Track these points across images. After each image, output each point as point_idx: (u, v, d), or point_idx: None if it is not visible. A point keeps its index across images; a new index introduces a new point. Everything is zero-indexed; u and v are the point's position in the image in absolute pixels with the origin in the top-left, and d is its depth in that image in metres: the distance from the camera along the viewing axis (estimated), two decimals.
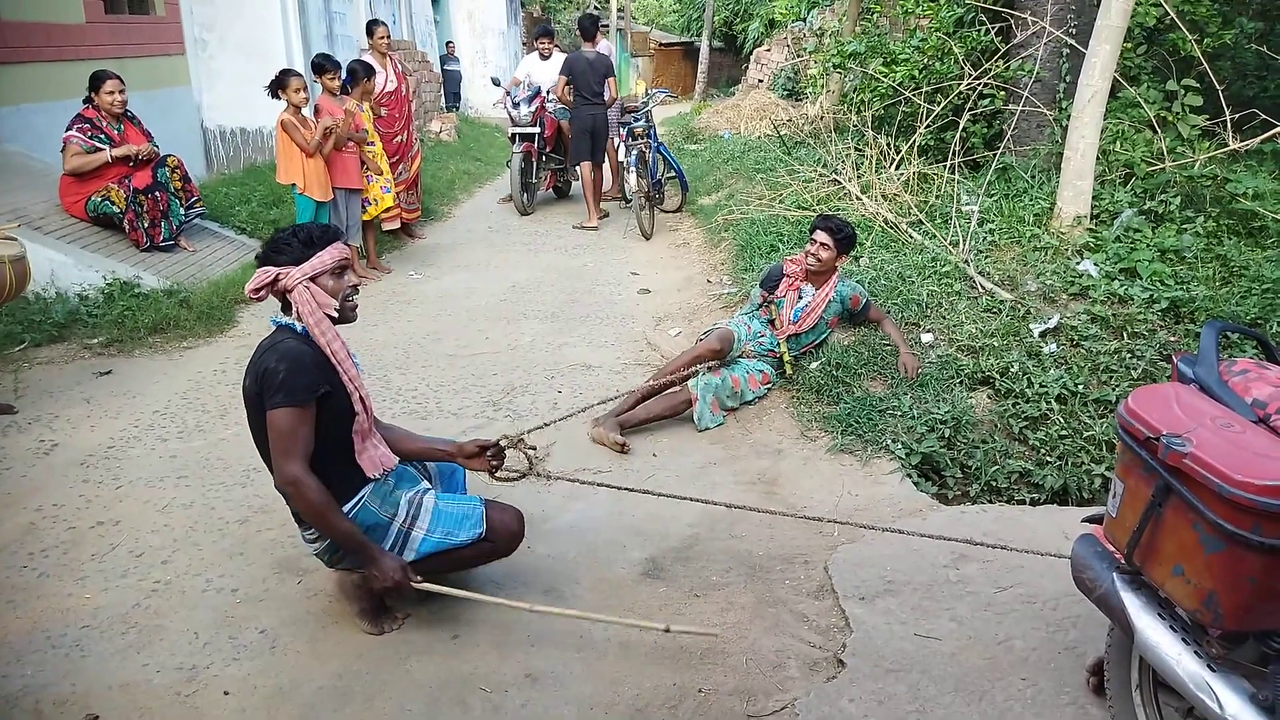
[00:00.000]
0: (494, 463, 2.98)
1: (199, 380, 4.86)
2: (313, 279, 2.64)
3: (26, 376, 4.79)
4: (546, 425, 3.52)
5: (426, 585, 2.72)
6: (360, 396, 2.71)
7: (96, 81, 6.16)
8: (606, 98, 9.03)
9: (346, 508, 2.66)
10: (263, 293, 2.64)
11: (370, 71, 7.01)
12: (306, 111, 6.41)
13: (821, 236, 4.58)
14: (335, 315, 2.68)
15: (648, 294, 6.70)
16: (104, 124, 6.16)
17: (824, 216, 4.72)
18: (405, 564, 2.68)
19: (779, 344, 4.58)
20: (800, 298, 4.65)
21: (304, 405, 2.52)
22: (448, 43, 19.62)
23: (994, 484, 3.89)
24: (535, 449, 3.12)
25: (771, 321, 4.64)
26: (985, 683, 2.60)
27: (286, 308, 2.68)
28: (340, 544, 2.67)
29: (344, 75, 6.74)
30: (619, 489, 3.44)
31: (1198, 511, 1.79)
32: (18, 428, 4.22)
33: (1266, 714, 1.80)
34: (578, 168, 9.22)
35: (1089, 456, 3.91)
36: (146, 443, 4.13)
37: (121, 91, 6.22)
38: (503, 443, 3.00)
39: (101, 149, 6.11)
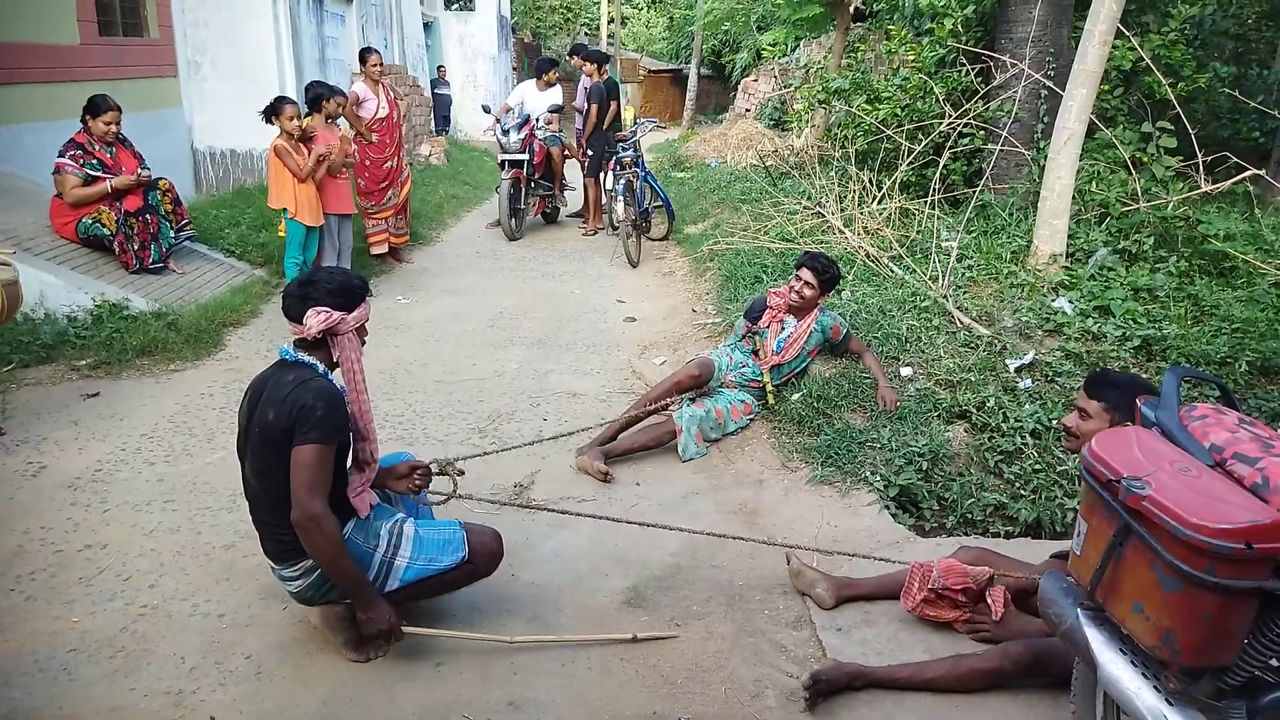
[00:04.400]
0: (418, 483, 3.09)
1: (186, 404, 4.90)
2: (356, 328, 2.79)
3: (14, 398, 4.82)
4: (485, 454, 3.83)
5: (414, 630, 2.84)
6: (374, 444, 2.87)
7: (96, 108, 6.20)
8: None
9: None
10: (317, 332, 2.69)
11: (333, 92, 7.00)
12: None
13: (806, 275, 4.68)
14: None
15: (633, 322, 6.79)
16: (96, 149, 6.21)
17: (810, 255, 4.81)
18: (395, 612, 2.75)
19: (762, 374, 4.67)
20: (783, 328, 4.75)
21: (333, 444, 2.61)
22: (439, 67, 19.78)
23: (969, 516, 3.97)
24: (463, 473, 3.31)
25: (755, 352, 4.74)
26: (957, 714, 2.67)
27: (310, 346, 2.74)
28: (342, 584, 2.73)
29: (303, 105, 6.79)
30: (593, 517, 3.50)
31: (1156, 552, 1.87)
32: (5, 450, 4.24)
33: None
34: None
35: (1062, 491, 4.00)
36: (134, 466, 4.16)
37: (118, 122, 6.26)
38: (433, 466, 3.16)
39: (101, 178, 6.15)
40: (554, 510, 3.48)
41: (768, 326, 4.75)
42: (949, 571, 2.99)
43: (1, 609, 3.05)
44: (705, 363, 4.65)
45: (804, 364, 4.85)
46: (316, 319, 2.67)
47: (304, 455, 2.57)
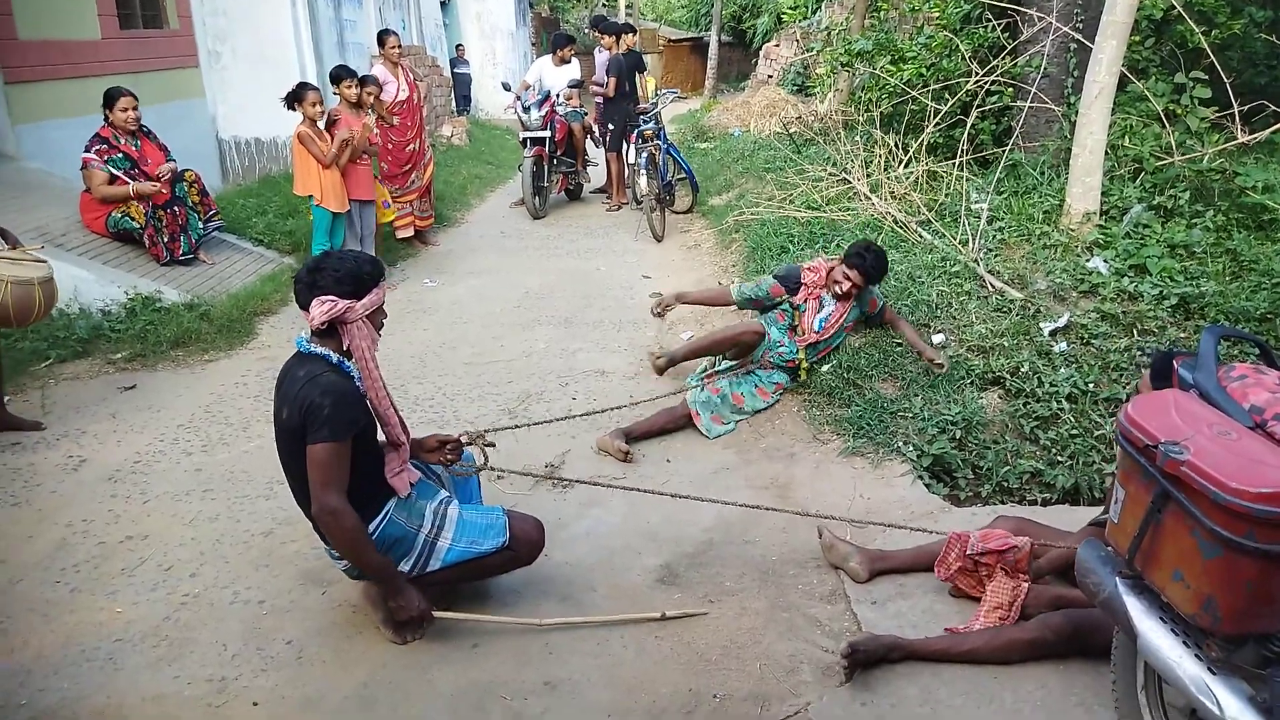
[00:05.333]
0: (449, 457, 3.10)
1: (221, 393, 4.96)
2: (368, 315, 2.74)
3: (53, 393, 4.90)
4: (516, 428, 3.88)
5: (444, 614, 2.87)
6: (402, 427, 2.87)
7: (110, 99, 6.26)
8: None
9: (375, 522, 2.75)
10: (320, 322, 2.67)
11: (365, 81, 7.00)
12: (322, 123, 6.50)
13: (855, 276, 4.53)
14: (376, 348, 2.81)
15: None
16: (121, 141, 6.26)
17: (859, 254, 4.55)
18: (425, 597, 2.78)
19: (798, 351, 4.59)
20: (822, 307, 4.65)
21: (345, 440, 2.61)
22: (457, 45, 19.71)
23: (1005, 484, 3.93)
24: (493, 445, 3.31)
25: (793, 327, 4.66)
26: (995, 685, 2.65)
27: (322, 335, 2.72)
28: (369, 573, 2.77)
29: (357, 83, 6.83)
30: (627, 489, 3.50)
31: (1195, 518, 1.83)
32: (46, 444, 4.33)
33: (1265, 716, 1.85)
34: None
35: (1100, 456, 3.94)
36: (171, 456, 4.23)
37: (135, 108, 6.30)
38: (463, 439, 3.16)
39: (125, 182, 6.21)
40: (586, 483, 3.49)
41: (804, 302, 4.66)
42: (988, 536, 2.96)
43: (48, 601, 3.12)
44: (760, 331, 4.64)
45: (841, 339, 4.77)
46: (320, 309, 2.64)
47: (317, 454, 2.58)
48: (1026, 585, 2.90)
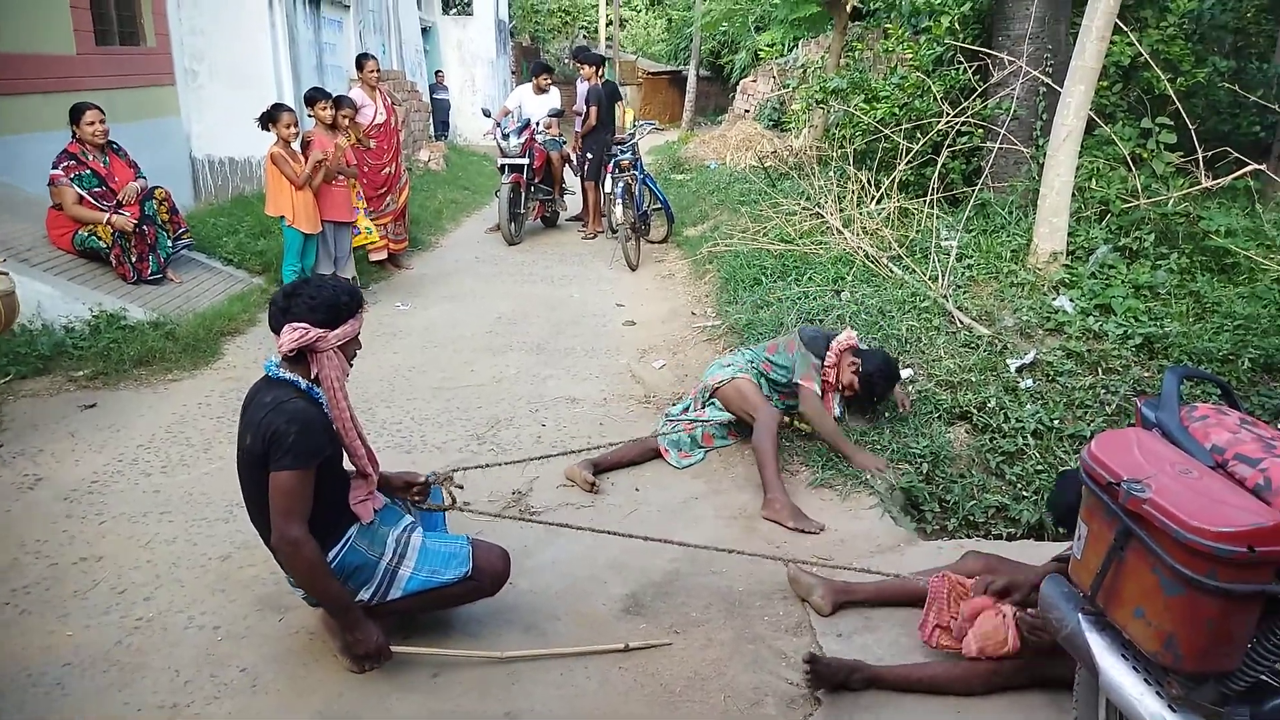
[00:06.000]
0: (417, 497, 3.09)
1: (183, 414, 4.88)
2: (341, 345, 2.70)
3: (11, 409, 4.80)
4: (486, 466, 3.85)
5: (402, 649, 2.81)
6: (370, 459, 2.82)
7: (76, 113, 6.19)
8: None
9: (336, 549, 2.70)
10: (288, 349, 2.62)
11: (340, 103, 7.02)
12: (296, 144, 6.47)
13: (858, 386, 4.31)
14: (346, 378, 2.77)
15: (633, 326, 6.76)
16: (89, 158, 6.19)
17: (885, 373, 4.31)
18: (382, 632, 2.73)
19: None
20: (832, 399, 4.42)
21: (308, 469, 2.56)
22: (437, 72, 19.78)
23: (971, 518, 3.95)
24: (462, 487, 3.29)
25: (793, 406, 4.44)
26: (956, 717, 2.64)
27: (292, 360, 2.68)
28: (326, 606, 2.72)
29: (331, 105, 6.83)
30: (593, 530, 3.47)
31: (1157, 556, 1.84)
32: (1, 461, 4.22)
33: None
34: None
35: None
36: (130, 477, 4.14)
37: (102, 122, 6.24)
38: (430, 479, 3.13)
39: (98, 209, 6.16)
40: (550, 524, 3.47)
41: (823, 393, 4.37)
42: (971, 607, 2.86)
43: None
44: (759, 389, 4.38)
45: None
46: (291, 335, 2.60)
47: (279, 482, 2.54)
48: (1011, 610, 2.85)
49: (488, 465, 3.89)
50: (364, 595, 2.76)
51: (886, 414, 4.52)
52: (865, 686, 2.73)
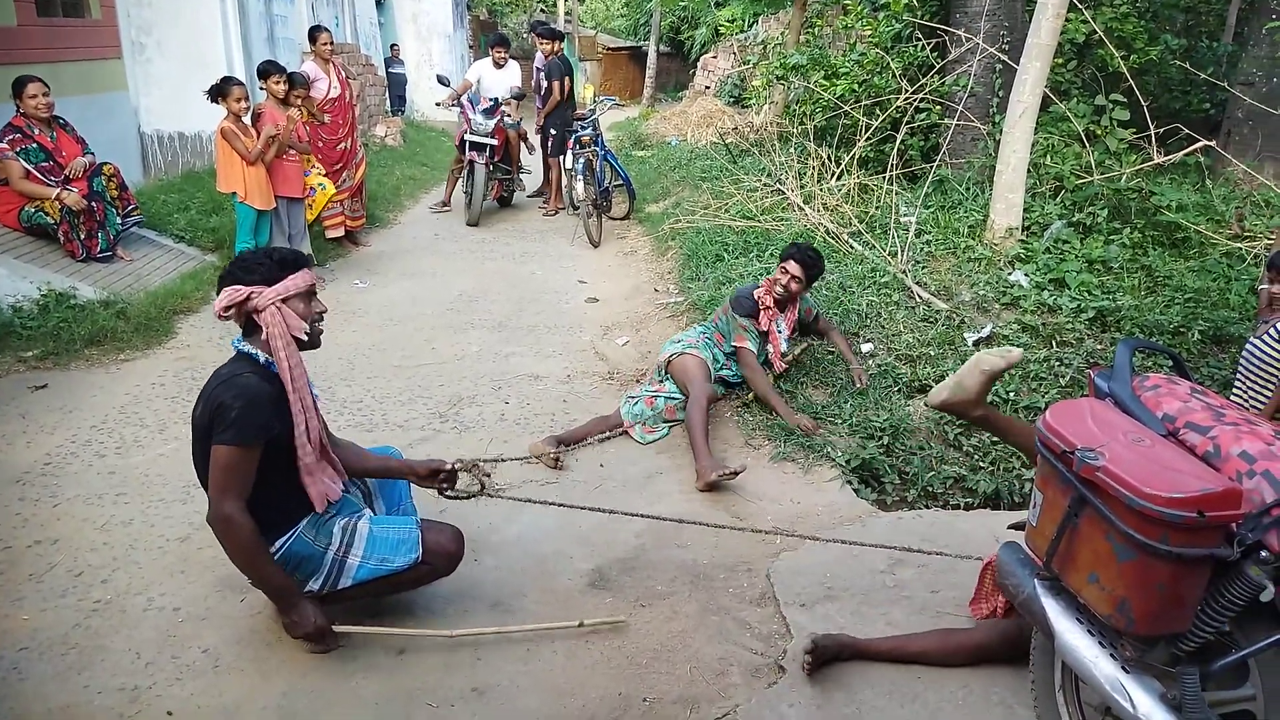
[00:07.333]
0: (444, 484, 3.03)
1: (137, 394, 4.79)
2: (284, 301, 2.63)
3: None
4: (505, 460, 3.87)
5: (345, 628, 2.77)
6: (310, 435, 2.69)
7: (19, 86, 6.01)
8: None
9: (282, 540, 2.67)
10: (232, 312, 2.59)
11: (294, 82, 6.89)
12: (247, 118, 6.34)
13: (794, 268, 4.47)
14: (304, 339, 2.68)
15: (595, 303, 6.74)
16: (35, 131, 6.02)
17: (798, 246, 4.58)
18: (323, 613, 2.69)
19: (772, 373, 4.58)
20: (779, 329, 4.56)
21: (251, 445, 2.52)
22: (392, 45, 19.42)
23: (930, 489, 4.01)
24: (490, 475, 3.24)
25: (768, 363, 4.57)
26: (919, 685, 2.70)
27: (250, 331, 2.65)
28: (262, 587, 2.70)
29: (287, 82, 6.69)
30: (561, 505, 3.48)
31: (1110, 522, 1.89)
32: None
33: (1175, 712, 1.92)
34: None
35: (1020, 462, 4.05)
36: (84, 459, 4.06)
37: (46, 95, 6.06)
38: (457, 466, 3.06)
39: (47, 186, 6.00)
40: (516, 499, 3.46)
41: (767, 329, 4.53)
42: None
43: None
44: (704, 365, 4.49)
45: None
46: (223, 298, 2.57)
47: (218, 456, 2.50)
48: None
49: (501, 459, 3.95)
50: (313, 585, 2.73)
51: (852, 384, 4.57)
52: (854, 658, 2.78)
